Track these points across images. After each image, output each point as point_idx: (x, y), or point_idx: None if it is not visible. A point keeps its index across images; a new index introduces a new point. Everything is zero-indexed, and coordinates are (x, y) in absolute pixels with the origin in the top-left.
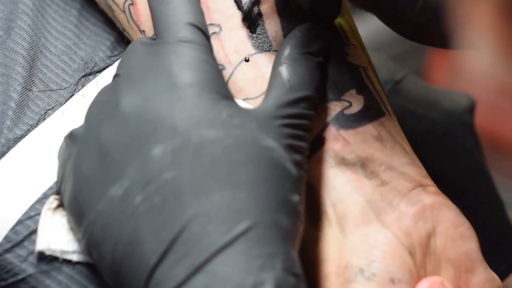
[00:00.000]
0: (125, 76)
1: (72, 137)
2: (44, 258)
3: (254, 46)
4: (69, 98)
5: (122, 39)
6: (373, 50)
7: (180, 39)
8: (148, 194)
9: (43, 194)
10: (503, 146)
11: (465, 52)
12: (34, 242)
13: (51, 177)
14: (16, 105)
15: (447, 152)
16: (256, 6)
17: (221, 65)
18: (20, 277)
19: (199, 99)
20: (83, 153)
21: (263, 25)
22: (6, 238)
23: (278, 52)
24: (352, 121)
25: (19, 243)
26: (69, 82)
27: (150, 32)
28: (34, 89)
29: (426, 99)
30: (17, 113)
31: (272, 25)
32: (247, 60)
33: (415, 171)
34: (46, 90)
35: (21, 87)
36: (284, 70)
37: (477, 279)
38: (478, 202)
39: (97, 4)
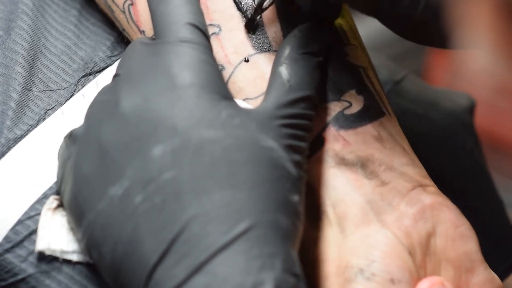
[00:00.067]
0: (125, 76)
1: (72, 137)
2: (44, 258)
3: (253, 46)
4: (69, 98)
5: (122, 39)
6: (373, 50)
7: (180, 39)
8: (148, 194)
9: (43, 194)
10: (503, 146)
11: (465, 52)
12: (34, 242)
13: (51, 177)
14: (16, 105)
15: (447, 152)
16: (259, 16)
17: (221, 65)
18: (20, 277)
19: (199, 99)
20: (83, 153)
21: (262, 26)
22: (6, 238)
23: (278, 52)
24: (352, 121)
25: (19, 243)
26: (69, 82)
27: (149, 32)
28: (34, 89)
29: (426, 99)
30: (17, 113)
31: (271, 26)
32: (246, 61)
33: (415, 171)
34: (46, 90)
35: (21, 87)
36: (284, 70)
37: (477, 279)
38: (478, 202)
39: (97, 4)
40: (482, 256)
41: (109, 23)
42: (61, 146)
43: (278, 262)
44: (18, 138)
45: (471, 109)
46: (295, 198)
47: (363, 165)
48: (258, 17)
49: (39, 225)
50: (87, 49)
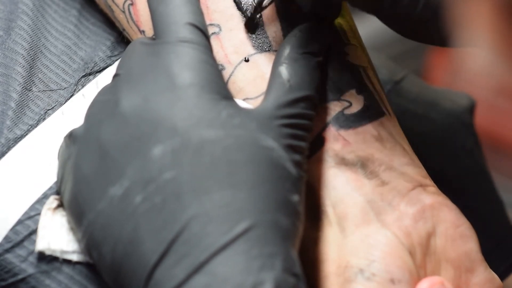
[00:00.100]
0: (125, 76)
1: (72, 137)
2: (44, 258)
3: (253, 46)
4: (69, 98)
5: (122, 39)
6: (373, 50)
7: (180, 39)
8: (148, 194)
9: (43, 194)
10: (503, 146)
11: (465, 50)
12: (34, 242)
13: (51, 177)
14: (16, 105)
15: (447, 152)
16: (259, 14)
17: (221, 65)
18: (20, 277)
19: (199, 99)
20: (83, 153)
21: (262, 26)
22: (6, 238)
23: (278, 52)
24: (352, 121)
25: (19, 243)
26: (69, 82)
27: (149, 32)
28: (34, 89)
29: (426, 99)
30: (17, 113)
31: (271, 25)
32: (247, 60)
33: (415, 171)
34: (46, 90)
35: (21, 87)
36: (284, 70)
37: (477, 279)
38: (478, 202)
39: (97, 4)
40: (482, 256)
41: (109, 23)
42: (61, 146)
43: (278, 262)
44: (18, 138)
45: (471, 109)
46: (295, 198)
47: (363, 165)
48: (258, 16)
49: (39, 225)
50: (87, 49)
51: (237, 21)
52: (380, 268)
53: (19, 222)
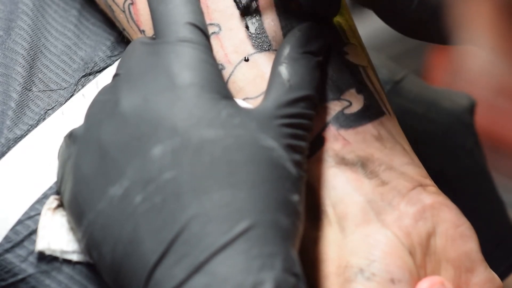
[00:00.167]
0: (125, 76)
1: (72, 137)
2: (44, 258)
3: (253, 45)
4: (69, 98)
5: (122, 39)
6: (373, 50)
7: (180, 39)
8: (148, 194)
9: (43, 194)
10: (503, 146)
11: (465, 49)
12: (34, 242)
13: (51, 177)
14: (16, 105)
15: (447, 152)
16: (254, 1)
17: (221, 64)
18: (20, 277)
19: (199, 99)
20: (83, 153)
21: (262, 25)
22: (6, 238)
23: (277, 51)
24: (352, 121)
25: (19, 243)
26: (69, 82)
27: (150, 32)
28: (34, 89)
29: (426, 99)
30: (17, 113)
31: (271, 25)
32: (246, 60)
33: (415, 171)
34: (46, 90)
35: (21, 87)
36: (283, 70)
37: (477, 279)
38: (478, 202)
39: (97, 4)
40: (482, 256)
41: (109, 23)
42: (61, 146)
43: (278, 262)
44: (18, 138)
45: (471, 109)
46: (295, 198)
47: (363, 165)
48: (254, 7)
49: (39, 225)
50: (87, 49)
51: (237, 21)
52: (380, 268)
53: (19, 222)
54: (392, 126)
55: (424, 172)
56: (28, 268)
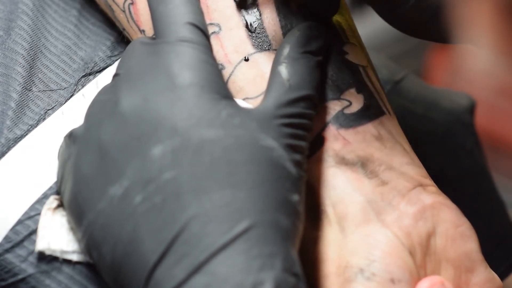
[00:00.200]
0: (124, 76)
1: (72, 137)
2: (44, 258)
3: (253, 45)
4: (69, 98)
5: (122, 39)
6: (373, 50)
7: (180, 39)
8: (148, 194)
9: (43, 194)
10: (503, 146)
11: (465, 49)
12: (34, 242)
13: (51, 177)
14: (16, 105)
15: (447, 152)
16: None
17: (221, 64)
18: (20, 277)
19: (199, 99)
20: (83, 153)
21: (262, 24)
22: (6, 238)
23: (277, 51)
24: (352, 120)
25: (19, 243)
26: (69, 82)
27: (150, 31)
28: (34, 89)
29: (426, 99)
30: (17, 113)
31: (271, 24)
32: (246, 60)
33: (415, 171)
34: (46, 90)
35: (21, 87)
36: (283, 70)
37: (477, 279)
38: (478, 202)
39: (97, 4)
40: (482, 256)
41: (109, 23)
42: (61, 146)
43: (278, 262)
44: (18, 138)
45: (471, 109)
46: (295, 197)
47: (363, 165)
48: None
49: (39, 225)
50: (87, 49)
51: (237, 20)
52: (380, 268)
53: (19, 222)
54: (392, 126)
55: (424, 172)
56: (28, 268)
